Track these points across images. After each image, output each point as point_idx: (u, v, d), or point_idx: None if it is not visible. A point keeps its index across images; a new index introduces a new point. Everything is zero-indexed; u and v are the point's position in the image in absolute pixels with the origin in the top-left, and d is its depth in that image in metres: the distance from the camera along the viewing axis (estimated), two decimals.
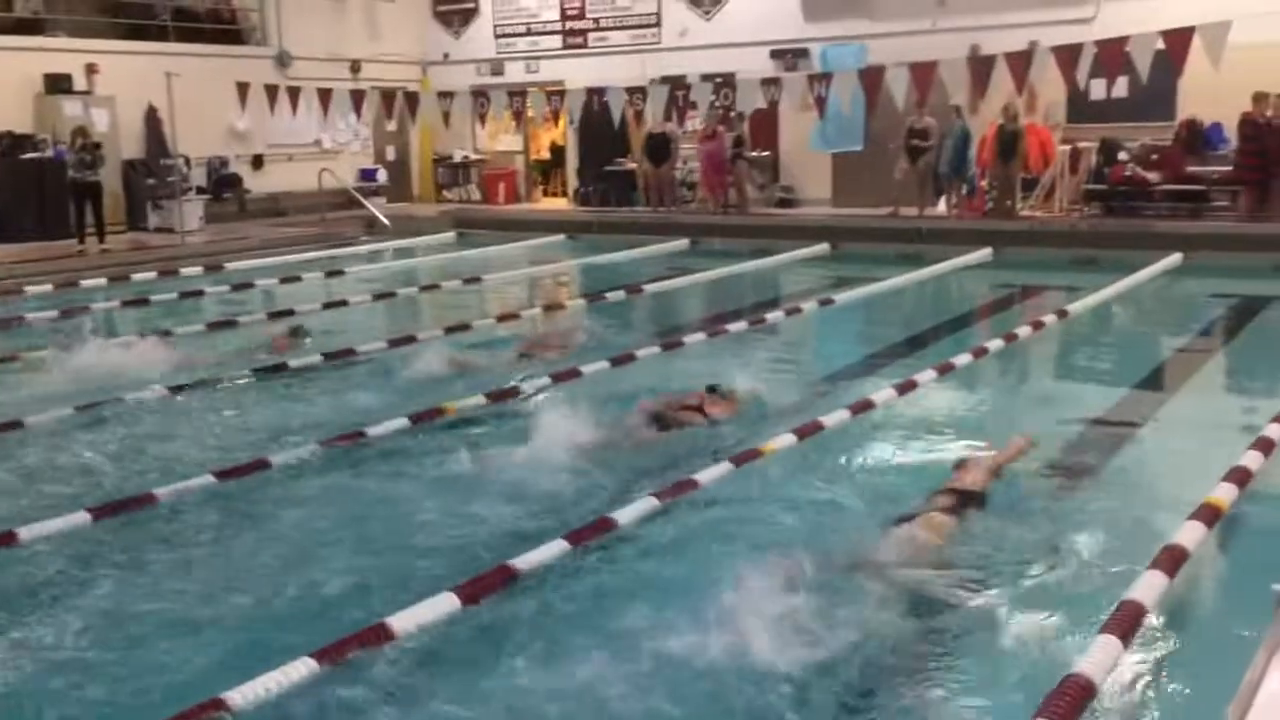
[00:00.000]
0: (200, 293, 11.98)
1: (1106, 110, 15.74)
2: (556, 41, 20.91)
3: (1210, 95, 13.86)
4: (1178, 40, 10.29)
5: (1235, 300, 10.72)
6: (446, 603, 4.03)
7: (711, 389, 6.61)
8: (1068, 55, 11.14)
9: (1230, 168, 14.46)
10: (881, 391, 7.06)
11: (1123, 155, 15.39)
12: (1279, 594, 3.79)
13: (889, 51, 16.29)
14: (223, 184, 18.53)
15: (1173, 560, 3.95)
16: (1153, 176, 15.00)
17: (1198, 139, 15.10)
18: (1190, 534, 4.23)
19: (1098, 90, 15.25)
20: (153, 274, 13.11)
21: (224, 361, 8.46)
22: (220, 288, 12.28)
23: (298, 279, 12.89)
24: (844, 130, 17.48)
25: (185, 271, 13.26)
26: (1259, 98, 13.67)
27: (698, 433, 6.24)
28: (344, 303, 11.21)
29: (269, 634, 4.02)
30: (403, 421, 6.54)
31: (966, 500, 4.89)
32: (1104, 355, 8.49)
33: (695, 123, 17.82)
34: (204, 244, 15.57)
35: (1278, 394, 6.85)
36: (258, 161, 19.50)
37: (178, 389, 7.38)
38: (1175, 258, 12.25)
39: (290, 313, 10.51)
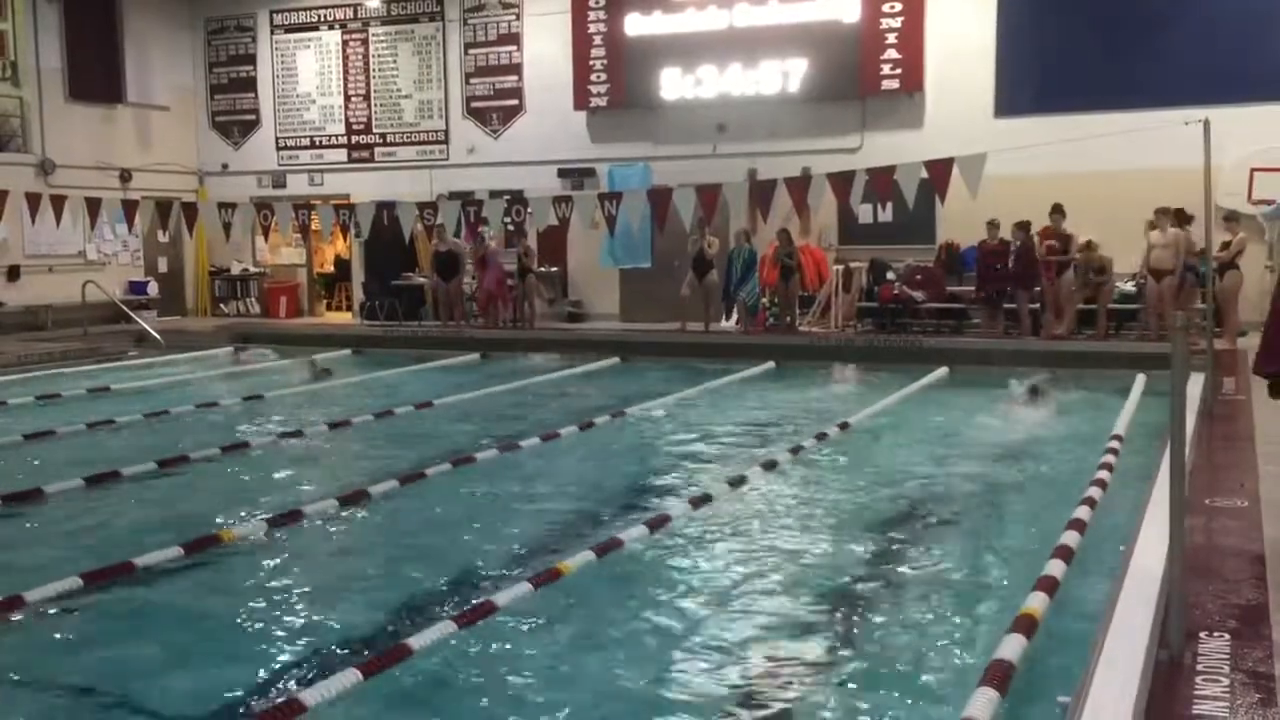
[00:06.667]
0: None
1: (874, 232, 16.77)
2: (342, 155, 20.69)
3: (965, 220, 14.94)
4: (940, 169, 11.06)
5: (1000, 409, 11.37)
6: None
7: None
8: (841, 181, 11.77)
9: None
10: (678, 506, 7.10)
11: (890, 275, 16.38)
12: (1065, 705, 3.91)
13: (672, 173, 16.96)
14: None
15: (1001, 674, 3.92)
16: (919, 295, 15.99)
17: (955, 261, 16.26)
18: (1012, 646, 4.21)
19: (865, 214, 16.26)
20: None
21: None
22: None
23: (57, 396, 12.02)
24: (632, 248, 17.93)
25: None
26: (991, 224, 14.85)
27: None
28: (110, 421, 10.46)
29: None
30: (175, 551, 6.11)
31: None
32: (894, 464, 8.71)
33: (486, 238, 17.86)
34: None
35: (1056, 504, 7.17)
36: (13, 273, 18.28)
37: None
38: (942, 371, 12.98)
39: (52, 433, 9.80)
